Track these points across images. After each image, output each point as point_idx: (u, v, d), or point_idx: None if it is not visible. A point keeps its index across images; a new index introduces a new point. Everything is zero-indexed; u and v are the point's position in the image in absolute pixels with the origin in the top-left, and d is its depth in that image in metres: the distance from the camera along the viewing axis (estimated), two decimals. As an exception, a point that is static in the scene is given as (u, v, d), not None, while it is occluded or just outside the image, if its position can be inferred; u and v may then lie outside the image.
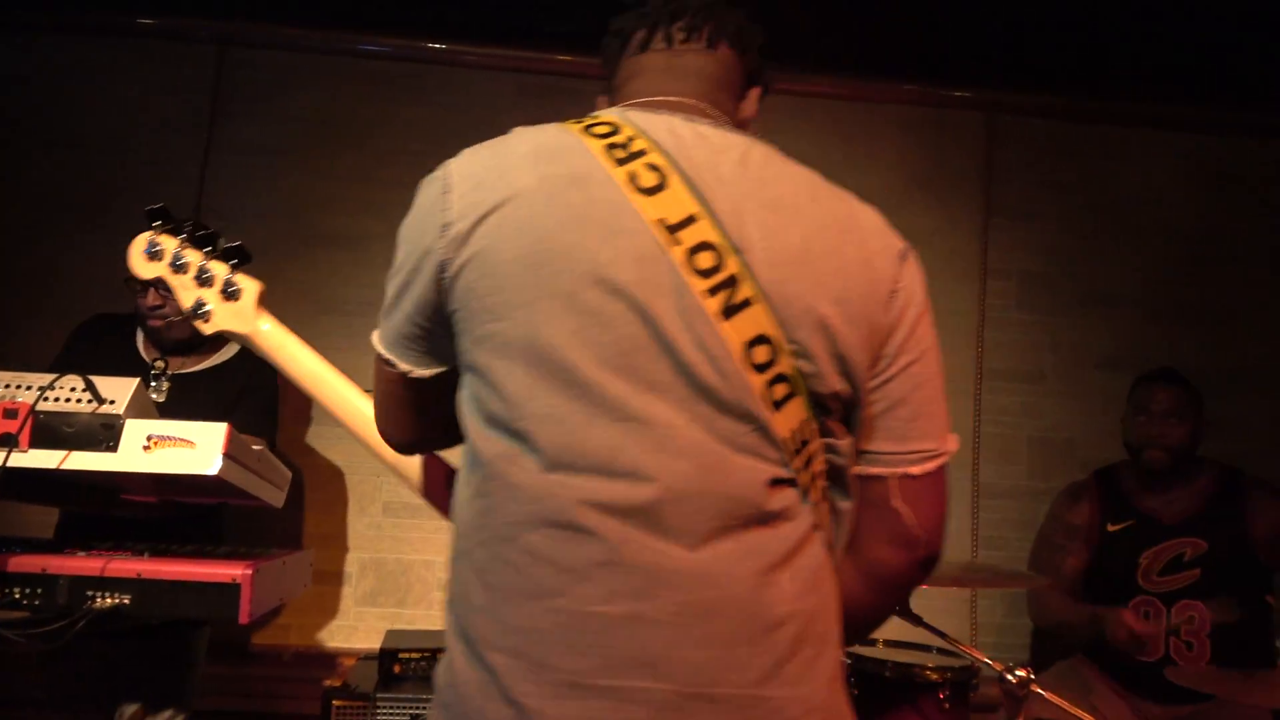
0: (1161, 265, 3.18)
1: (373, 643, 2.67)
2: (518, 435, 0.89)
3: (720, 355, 0.88)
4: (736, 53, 1.08)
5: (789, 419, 0.90)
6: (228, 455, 1.56)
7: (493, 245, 0.90)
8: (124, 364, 2.18)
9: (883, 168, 3.14)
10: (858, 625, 1.02)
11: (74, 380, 1.56)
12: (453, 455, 1.10)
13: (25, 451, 1.52)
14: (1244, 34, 2.90)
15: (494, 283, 0.90)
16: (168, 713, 2.13)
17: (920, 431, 0.98)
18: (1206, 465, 2.52)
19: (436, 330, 0.97)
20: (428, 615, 2.82)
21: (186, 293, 1.47)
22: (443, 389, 1.01)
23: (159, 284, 1.50)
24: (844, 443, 0.96)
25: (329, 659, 2.63)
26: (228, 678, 2.59)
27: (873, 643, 2.03)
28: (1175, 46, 3.00)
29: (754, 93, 1.12)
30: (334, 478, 2.88)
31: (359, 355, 2.91)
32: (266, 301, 2.37)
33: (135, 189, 2.86)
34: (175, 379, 2.26)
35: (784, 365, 0.90)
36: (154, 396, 2.21)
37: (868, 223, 0.98)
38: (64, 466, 1.52)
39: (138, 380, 1.59)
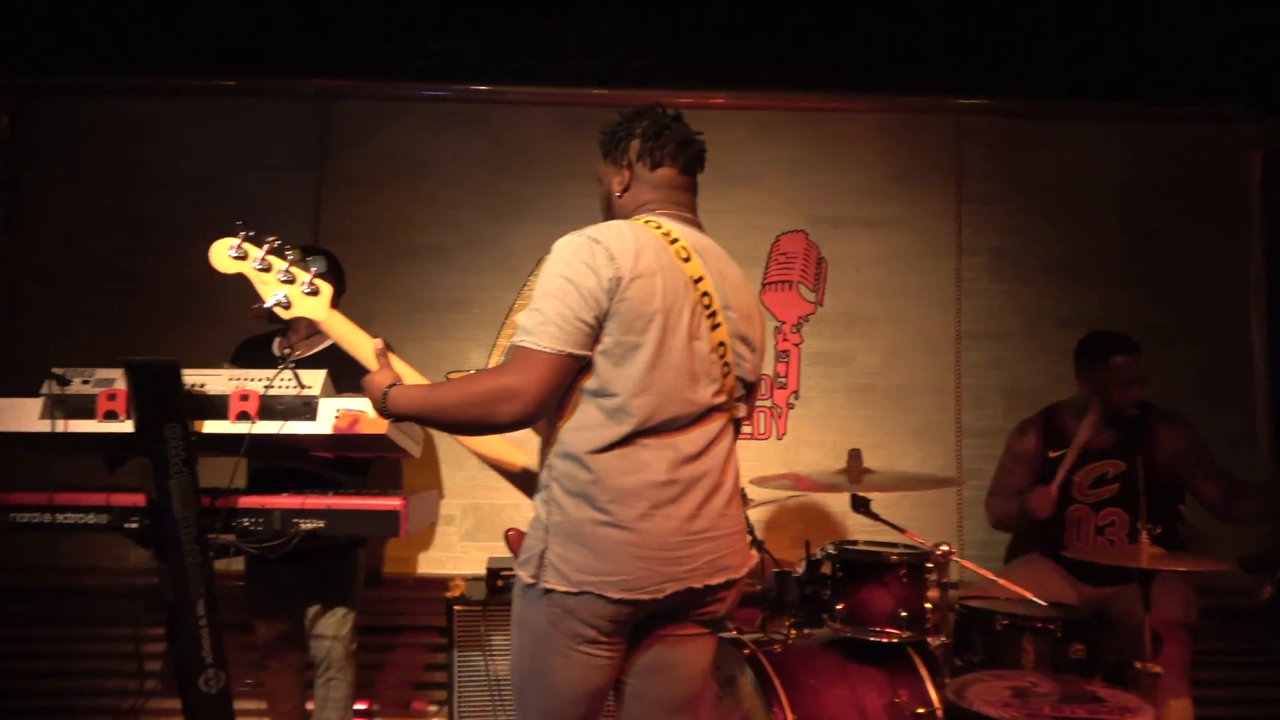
0: (1108, 238, 3.76)
1: (477, 569, 3.37)
2: None
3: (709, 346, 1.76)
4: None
5: (729, 383, 1.80)
6: (391, 418, 2.21)
7: (638, 295, 1.67)
8: (265, 364, 2.72)
9: (865, 166, 3.75)
10: None
11: (286, 373, 2.24)
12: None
13: (256, 423, 2.22)
14: (1173, 38, 3.47)
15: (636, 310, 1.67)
16: (341, 610, 2.85)
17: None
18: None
19: (596, 329, 1.67)
20: (517, 547, 3.47)
21: (267, 287, 2.07)
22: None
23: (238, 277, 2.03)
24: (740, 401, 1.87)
25: (442, 582, 3.26)
26: (367, 599, 3.28)
27: (854, 541, 2.69)
28: (1116, 50, 3.57)
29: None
30: (439, 439, 3.52)
31: (445, 343, 3.66)
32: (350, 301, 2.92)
33: (263, 217, 3.52)
34: (305, 360, 2.83)
35: (729, 357, 1.80)
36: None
37: (751, 285, 1.93)
38: (282, 432, 2.22)
39: (325, 371, 2.27)
